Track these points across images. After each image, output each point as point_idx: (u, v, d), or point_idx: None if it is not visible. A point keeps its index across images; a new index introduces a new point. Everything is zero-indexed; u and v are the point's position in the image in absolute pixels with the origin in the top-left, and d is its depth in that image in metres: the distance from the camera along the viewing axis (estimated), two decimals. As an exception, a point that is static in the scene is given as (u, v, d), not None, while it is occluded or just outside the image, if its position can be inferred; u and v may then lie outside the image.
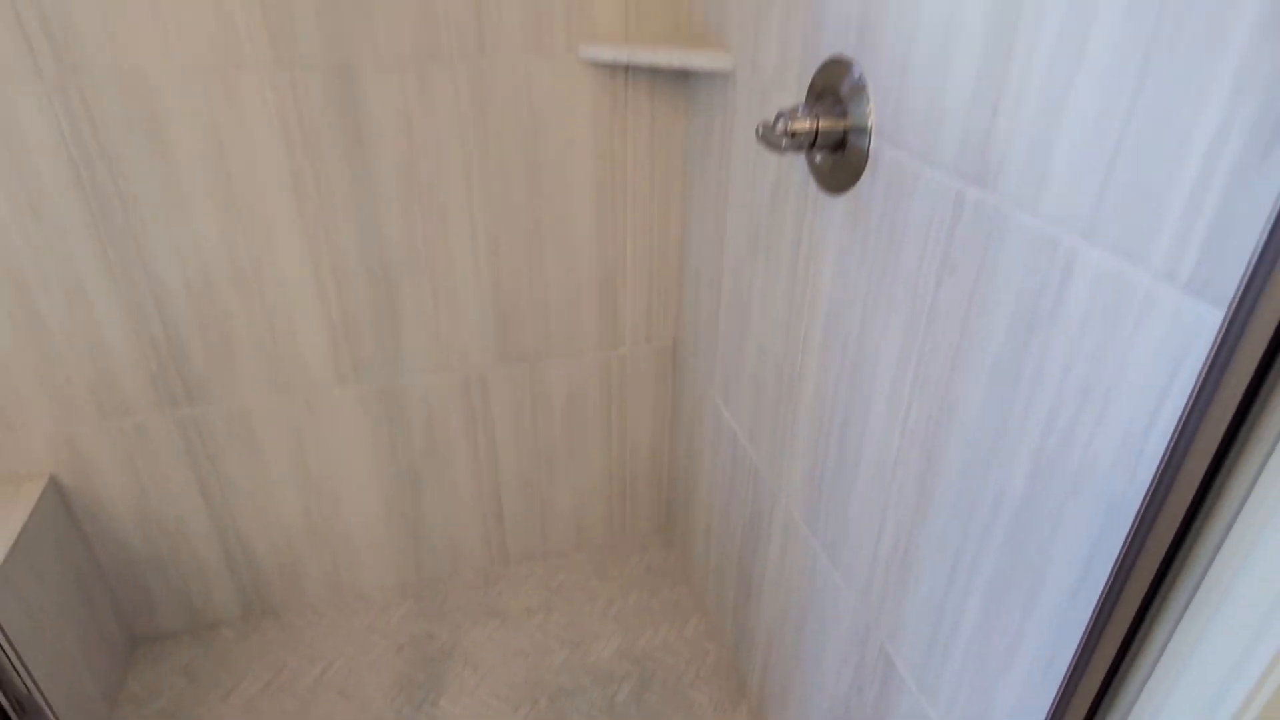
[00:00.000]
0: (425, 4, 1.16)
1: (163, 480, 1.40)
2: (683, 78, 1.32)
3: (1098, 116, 0.55)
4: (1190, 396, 0.48)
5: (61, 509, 1.35)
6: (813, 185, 0.96)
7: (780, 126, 0.87)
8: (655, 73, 1.29)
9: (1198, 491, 0.49)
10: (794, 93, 0.97)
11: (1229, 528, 0.48)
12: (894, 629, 0.92)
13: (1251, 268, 0.43)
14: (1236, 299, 0.44)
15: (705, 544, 1.59)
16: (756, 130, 0.90)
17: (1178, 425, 0.49)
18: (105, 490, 1.38)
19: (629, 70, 1.28)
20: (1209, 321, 0.49)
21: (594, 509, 1.75)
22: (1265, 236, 0.42)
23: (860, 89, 0.83)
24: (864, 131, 0.83)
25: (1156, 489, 0.51)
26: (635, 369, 1.59)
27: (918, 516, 0.85)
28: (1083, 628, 0.60)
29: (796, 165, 0.99)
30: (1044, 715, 0.66)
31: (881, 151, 0.81)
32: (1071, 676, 0.60)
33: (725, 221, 1.25)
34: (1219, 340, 0.45)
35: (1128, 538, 0.53)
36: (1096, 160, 0.56)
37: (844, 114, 0.86)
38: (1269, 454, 0.45)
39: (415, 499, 1.59)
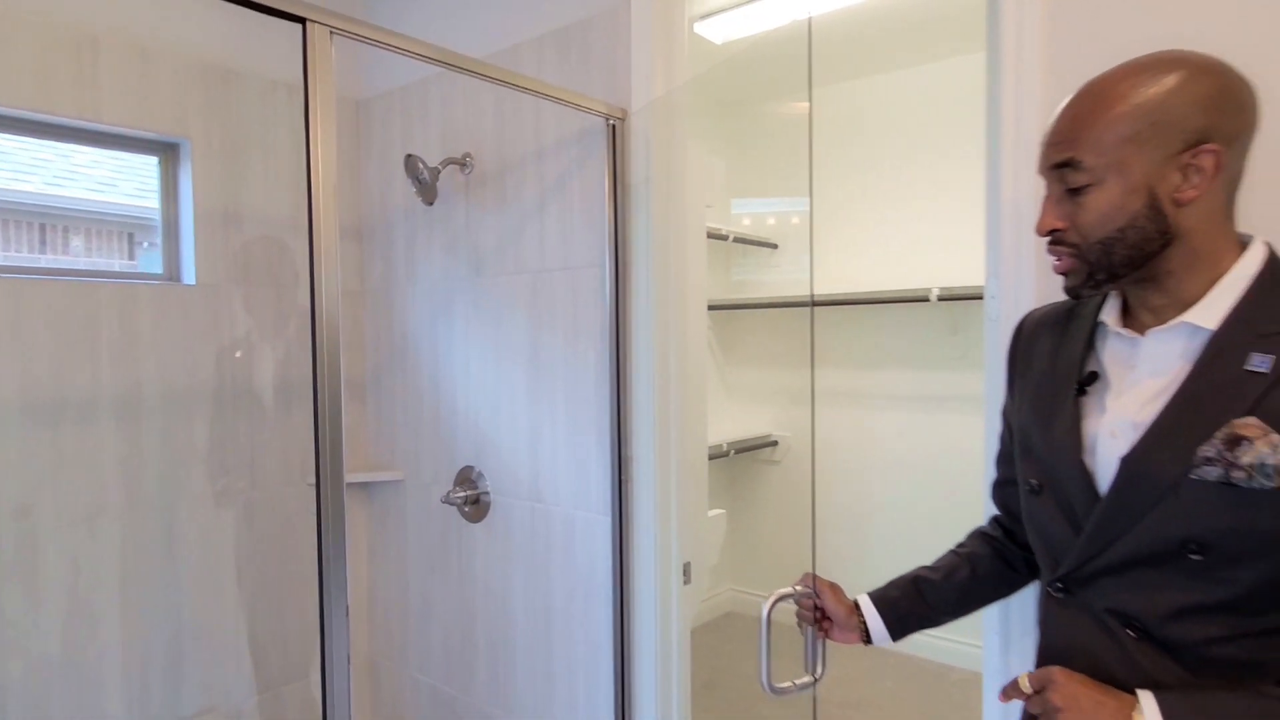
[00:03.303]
0: (220, 456, 2.01)
1: None
2: (369, 486, 2.33)
3: (568, 468, 1.79)
4: (613, 550, 1.68)
5: None
6: (465, 523, 2.05)
7: (450, 497, 1.97)
8: (354, 486, 2.29)
9: (620, 558, 1.67)
10: (446, 483, 2.09)
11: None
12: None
13: (611, 498, 1.67)
14: (612, 513, 1.67)
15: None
16: (441, 499, 1.99)
17: (613, 544, 1.68)
18: None
19: (336, 487, 2.25)
20: (608, 523, 1.71)
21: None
22: (613, 495, 1.67)
23: (482, 475, 2.00)
24: (488, 493, 1.98)
25: (615, 565, 1.67)
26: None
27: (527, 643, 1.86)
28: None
29: (452, 514, 2.08)
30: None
31: (497, 499, 1.96)
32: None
33: (406, 559, 2.22)
34: (612, 527, 1.67)
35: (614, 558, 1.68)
36: (570, 483, 1.79)
37: (475, 487, 2.00)
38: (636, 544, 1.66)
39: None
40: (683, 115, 1.71)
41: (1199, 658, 0.76)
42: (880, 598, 1.08)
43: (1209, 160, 0.74)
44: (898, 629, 1.07)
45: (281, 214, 2.13)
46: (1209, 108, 0.74)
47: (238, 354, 2.05)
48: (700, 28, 2.73)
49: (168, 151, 2.00)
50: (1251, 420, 0.71)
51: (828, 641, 1.11)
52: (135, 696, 1.87)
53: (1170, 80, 0.75)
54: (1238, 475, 0.71)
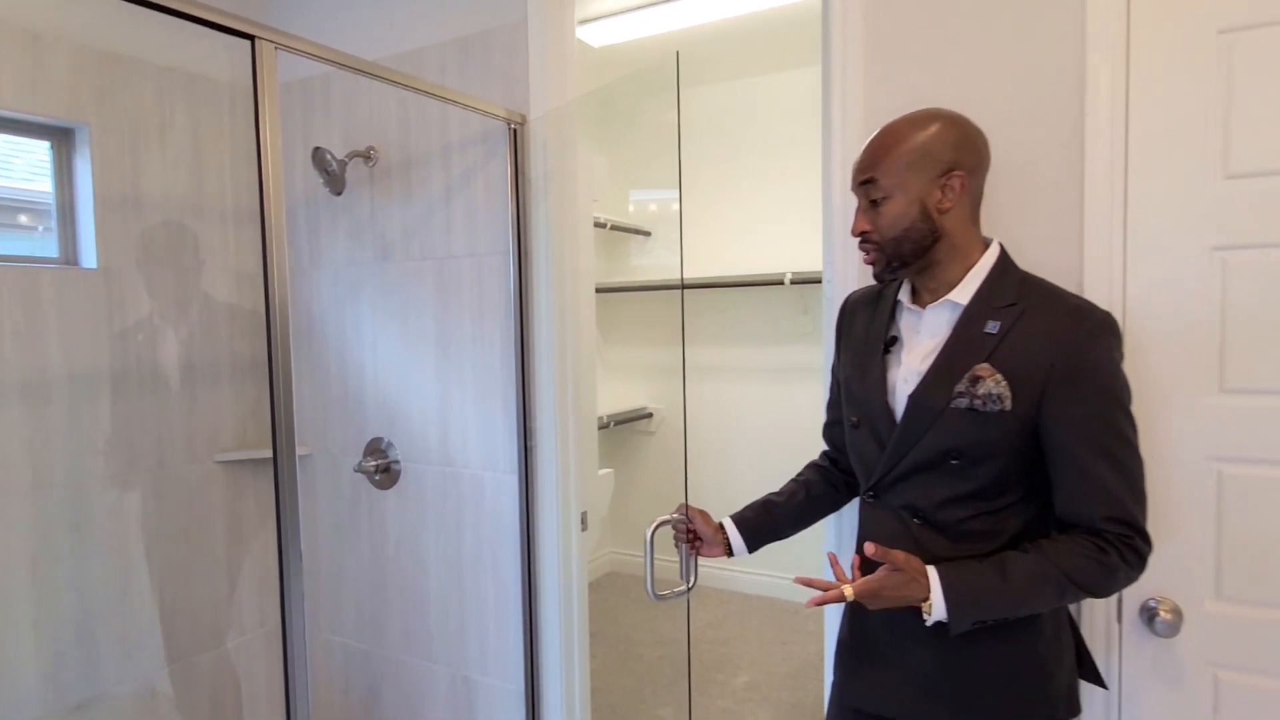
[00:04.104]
0: (127, 435, 2.06)
1: None
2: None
3: (477, 435, 2.01)
4: (520, 503, 1.91)
5: None
6: (375, 490, 2.21)
7: (360, 467, 2.13)
8: (258, 461, 2.38)
9: (526, 510, 1.91)
10: (355, 454, 2.24)
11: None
12: None
13: (518, 460, 1.91)
14: (519, 472, 1.91)
15: (325, 753, 2.37)
16: (353, 468, 2.14)
17: (520, 499, 1.91)
18: None
19: (244, 462, 2.35)
20: (515, 481, 1.95)
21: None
22: (519, 456, 1.91)
23: (391, 445, 2.17)
24: (398, 461, 2.15)
25: (521, 521, 1.91)
26: (253, 650, 2.39)
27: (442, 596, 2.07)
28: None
29: (363, 481, 2.23)
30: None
31: (407, 466, 2.14)
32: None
33: (315, 529, 2.35)
34: (519, 484, 1.91)
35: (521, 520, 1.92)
36: (479, 448, 2.01)
37: (385, 456, 2.17)
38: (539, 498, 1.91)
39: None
40: (576, 121, 1.95)
41: (957, 532, 1.11)
42: (739, 519, 1.39)
43: (957, 182, 1.08)
44: (753, 542, 1.38)
45: (181, 198, 2.19)
46: (956, 147, 1.08)
47: (140, 336, 2.10)
48: (580, 31, 2.96)
49: (61, 136, 2.02)
50: (985, 365, 1.06)
51: (699, 559, 1.41)
52: (49, 673, 1.92)
53: (933, 128, 1.08)
54: (977, 403, 1.05)
